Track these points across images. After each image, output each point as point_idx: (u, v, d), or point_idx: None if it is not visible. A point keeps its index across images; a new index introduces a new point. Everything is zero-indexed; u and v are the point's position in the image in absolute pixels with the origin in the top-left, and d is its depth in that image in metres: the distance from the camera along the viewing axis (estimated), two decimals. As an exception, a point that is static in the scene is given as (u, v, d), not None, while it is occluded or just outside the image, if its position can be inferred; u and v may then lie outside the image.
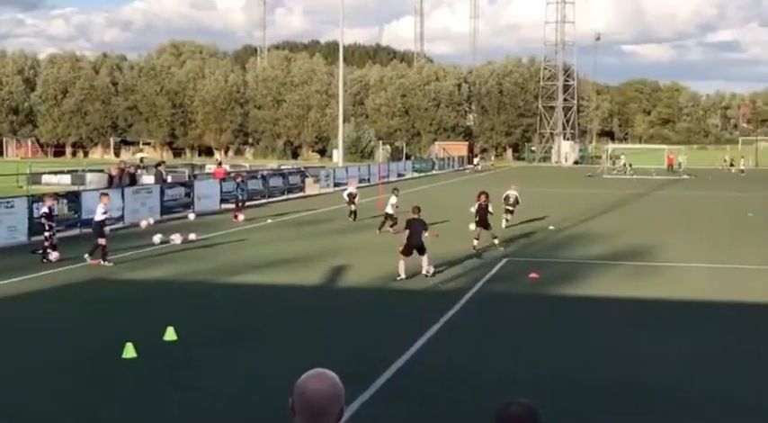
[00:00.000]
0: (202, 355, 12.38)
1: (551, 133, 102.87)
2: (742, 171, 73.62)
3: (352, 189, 32.29)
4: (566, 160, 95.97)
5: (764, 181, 62.31)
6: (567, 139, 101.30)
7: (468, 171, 79.09)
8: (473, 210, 23.56)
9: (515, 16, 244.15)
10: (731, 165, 71.86)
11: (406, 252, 18.76)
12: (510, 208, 28.77)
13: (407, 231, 18.79)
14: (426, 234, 18.94)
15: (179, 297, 17.01)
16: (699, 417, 10.01)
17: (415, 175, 68.98)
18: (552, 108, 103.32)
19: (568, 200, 42.01)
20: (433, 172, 73.60)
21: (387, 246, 24.39)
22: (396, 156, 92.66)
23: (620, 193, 46.75)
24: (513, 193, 29.01)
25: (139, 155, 76.66)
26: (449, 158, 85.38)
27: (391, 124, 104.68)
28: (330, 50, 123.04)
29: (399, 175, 65.85)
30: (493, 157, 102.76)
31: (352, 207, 31.25)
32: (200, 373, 11.56)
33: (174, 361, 12.08)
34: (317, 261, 21.58)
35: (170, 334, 13.07)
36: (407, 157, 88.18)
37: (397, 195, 28.19)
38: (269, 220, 31.64)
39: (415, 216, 19.22)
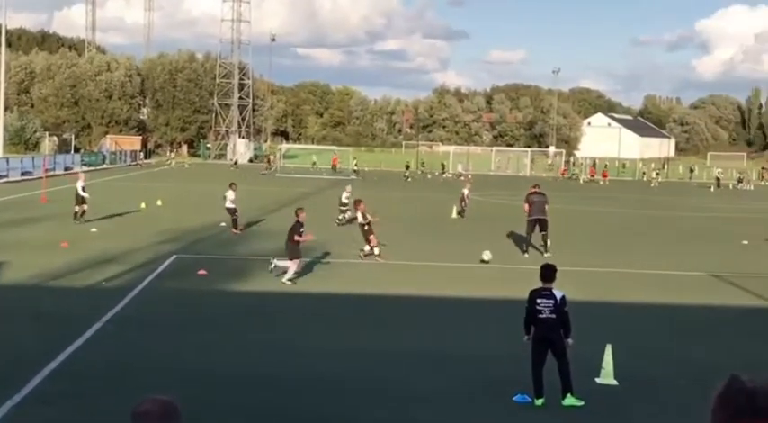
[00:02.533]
0: None
1: (227, 131, 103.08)
2: (457, 175, 78.06)
3: (84, 183, 28.90)
4: (241, 158, 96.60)
5: (439, 184, 66.95)
6: (243, 138, 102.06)
7: (140, 166, 77.03)
8: (361, 220, 23.27)
9: (192, 11, 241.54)
10: (407, 167, 75.41)
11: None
12: (342, 208, 31.38)
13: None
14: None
15: None
16: (367, 407, 10.55)
17: (84, 168, 65.96)
18: (228, 106, 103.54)
19: (243, 197, 42.27)
20: (104, 166, 70.93)
21: (47, 243, 23.20)
22: (63, 148, 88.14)
23: (291, 192, 47.86)
24: (346, 193, 31.78)
25: None
26: (121, 152, 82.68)
27: (59, 115, 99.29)
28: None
29: (66, 168, 62.69)
30: (169, 153, 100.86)
31: (85, 206, 28.15)
32: None
33: None
34: (-33, 258, 19.97)
35: None
36: (76, 150, 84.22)
37: (234, 190, 27.88)
38: None
39: (298, 219, 19.58)
